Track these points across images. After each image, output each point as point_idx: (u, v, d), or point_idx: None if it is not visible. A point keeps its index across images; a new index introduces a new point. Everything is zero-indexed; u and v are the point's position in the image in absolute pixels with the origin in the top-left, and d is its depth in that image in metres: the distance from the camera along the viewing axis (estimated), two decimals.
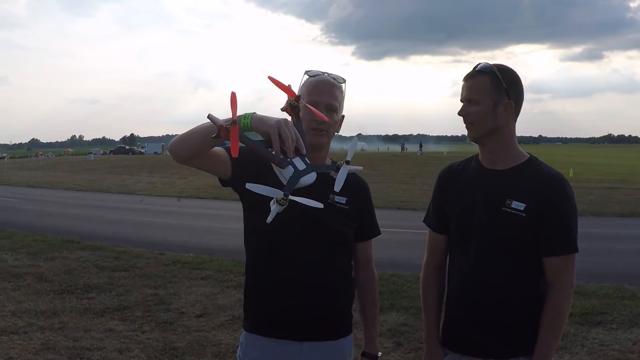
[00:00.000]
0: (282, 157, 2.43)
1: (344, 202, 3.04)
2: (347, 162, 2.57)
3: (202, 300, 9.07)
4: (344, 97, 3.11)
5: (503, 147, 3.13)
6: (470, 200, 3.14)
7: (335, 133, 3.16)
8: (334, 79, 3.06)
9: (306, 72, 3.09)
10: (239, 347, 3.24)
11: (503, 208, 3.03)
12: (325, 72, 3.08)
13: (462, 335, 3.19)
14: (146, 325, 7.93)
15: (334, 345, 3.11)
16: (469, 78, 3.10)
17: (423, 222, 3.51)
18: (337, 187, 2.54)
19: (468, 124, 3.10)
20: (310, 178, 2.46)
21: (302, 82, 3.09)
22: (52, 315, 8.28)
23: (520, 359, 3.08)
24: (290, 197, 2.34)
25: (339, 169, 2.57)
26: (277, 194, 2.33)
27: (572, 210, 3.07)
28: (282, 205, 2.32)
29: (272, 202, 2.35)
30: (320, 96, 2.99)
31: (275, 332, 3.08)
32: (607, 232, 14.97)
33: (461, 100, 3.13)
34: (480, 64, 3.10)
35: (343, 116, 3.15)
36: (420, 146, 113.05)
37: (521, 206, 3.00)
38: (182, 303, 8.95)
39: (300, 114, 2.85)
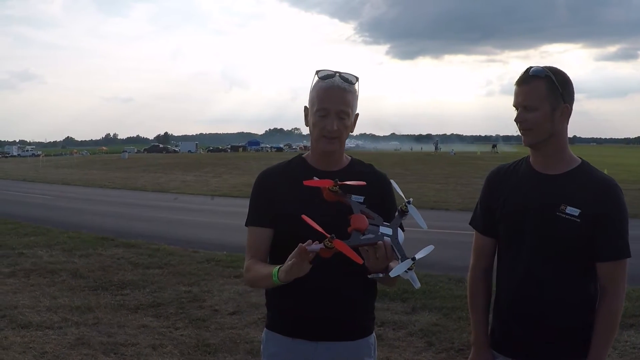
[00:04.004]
0: (372, 236, 2.60)
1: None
2: (410, 202, 2.74)
3: (235, 297, 9.09)
4: (357, 96, 3.05)
5: (558, 151, 3.11)
6: (523, 204, 3.12)
7: (350, 133, 3.12)
8: (346, 81, 3.00)
9: (317, 73, 3.04)
10: (261, 342, 3.28)
11: (557, 213, 3.01)
12: (336, 73, 3.01)
13: (514, 338, 3.18)
14: (180, 322, 7.97)
15: (351, 346, 3.09)
16: (523, 83, 3.04)
17: (469, 224, 3.46)
18: (423, 225, 2.77)
19: (526, 130, 3.05)
20: (401, 235, 2.68)
21: (313, 82, 3.04)
22: (86, 311, 8.36)
23: None
24: (417, 256, 2.54)
25: (405, 213, 2.74)
26: (408, 263, 2.49)
27: (625, 216, 3.06)
28: (413, 268, 2.51)
29: (405, 273, 2.51)
30: (331, 104, 2.95)
31: (291, 330, 3.10)
32: None
33: (515, 106, 3.09)
34: (531, 67, 3.05)
35: (357, 114, 3.10)
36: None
37: (576, 212, 2.98)
38: (216, 300, 8.98)
39: (312, 120, 3.01)
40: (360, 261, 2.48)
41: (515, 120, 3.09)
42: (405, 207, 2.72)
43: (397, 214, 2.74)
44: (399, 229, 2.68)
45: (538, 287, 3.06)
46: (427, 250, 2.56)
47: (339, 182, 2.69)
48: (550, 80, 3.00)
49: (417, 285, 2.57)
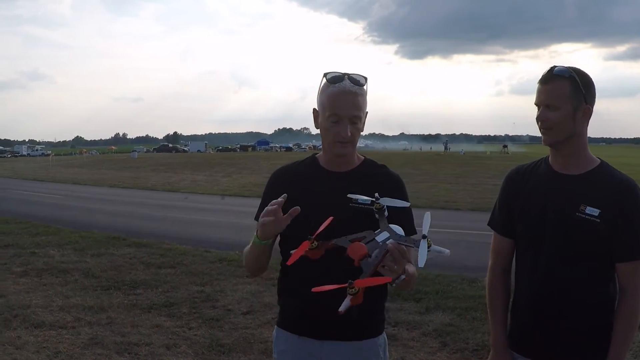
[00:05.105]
0: (377, 250, 2.52)
1: (369, 202, 2.87)
2: (378, 198, 2.71)
3: (249, 297, 9.07)
4: (366, 96, 3.01)
5: (577, 151, 3.11)
6: (542, 205, 3.11)
7: (361, 133, 3.09)
8: (356, 84, 2.96)
9: (324, 75, 3.00)
10: (273, 339, 3.31)
11: (577, 213, 3.00)
12: (345, 75, 2.96)
13: (534, 338, 3.17)
14: (193, 321, 7.96)
15: (357, 346, 3.08)
16: (546, 82, 3.03)
17: (487, 225, 3.46)
18: (404, 204, 2.74)
19: (546, 129, 3.04)
20: (397, 228, 2.61)
21: (321, 85, 3.00)
22: (99, 311, 8.36)
23: None
24: (424, 232, 2.48)
25: (383, 209, 2.69)
26: (425, 244, 2.44)
27: None
28: (431, 243, 2.45)
29: (429, 252, 2.46)
30: (344, 110, 2.91)
31: (298, 329, 3.11)
32: None
33: (536, 104, 3.07)
34: (555, 67, 3.04)
35: (366, 112, 3.05)
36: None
37: (595, 212, 2.97)
38: (229, 300, 8.96)
39: (323, 125, 2.98)
40: (389, 279, 2.46)
41: (536, 118, 3.08)
42: (379, 205, 2.68)
43: (377, 215, 2.69)
44: (390, 226, 2.63)
45: (558, 287, 3.05)
46: (426, 222, 2.55)
47: (311, 237, 2.60)
48: (574, 81, 2.99)
49: (447, 252, 2.55)
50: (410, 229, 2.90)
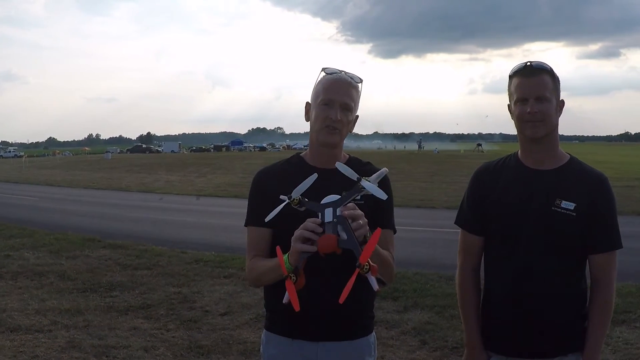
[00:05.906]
0: (344, 224, 2.59)
1: (359, 197, 2.87)
2: (290, 197, 2.72)
3: (226, 298, 9.06)
4: (359, 96, 3.08)
5: (553, 146, 3.16)
6: (518, 201, 3.12)
7: (349, 132, 3.13)
8: (351, 78, 3.04)
9: (323, 69, 3.08)
10: (261, 344, 3.27)
11: (553, 208, 3.04)
12: (342, 71, 3.05)
13: (510, 335, 3.16)
14: (171, 323, 7.93)
15: (351, 345, 3.08)
16: (531, 75, 3.05)
17: (455, 223, 3.42)
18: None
19: (538, 121, 3.03)
20: (331, 197, 2.70)
21: (319, 79, 3.07)
22: (76, 314, 8.29)
23: (569, 356, 3.09)
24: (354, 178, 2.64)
25: (302, 203, 2.71)
26: (366, 183, 2.59)
27: (615, 208, 3.13)
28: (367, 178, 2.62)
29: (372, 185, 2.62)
30: (337, 95, 2.97)
31: (290, 331, 3.09)
32: (627, 231, 14.65)
33: (522, 98, 3.05)
34: (531, 62, 3.08)
35: (357, 116, 3.12)
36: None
37: (571, 205, 3.02)
38: (206, 301, 8.94)
39: (314, 112, 3.03)
40: (379, 231, 2.55)
41: (522, 112, 3.05)
42: (295, 200, 2.70)
43: (302, 209, 2.72)
44: (323, 202, 2.69)
45: (534, 282, 3.07)
46: (344, 169, 2.69)
47: (287, 275, 2.64)
48: (553, 75, 3.06)
49: (384, 170, 2.78)
50: (388, 219, 3.10)
